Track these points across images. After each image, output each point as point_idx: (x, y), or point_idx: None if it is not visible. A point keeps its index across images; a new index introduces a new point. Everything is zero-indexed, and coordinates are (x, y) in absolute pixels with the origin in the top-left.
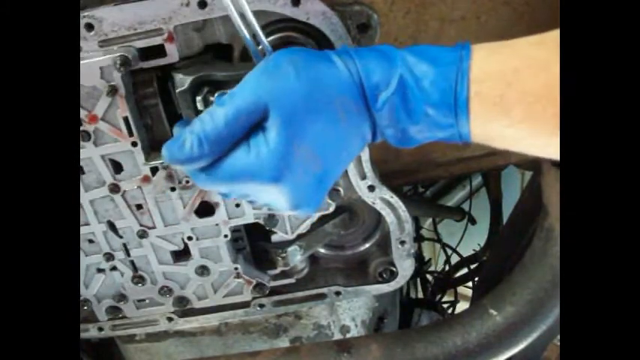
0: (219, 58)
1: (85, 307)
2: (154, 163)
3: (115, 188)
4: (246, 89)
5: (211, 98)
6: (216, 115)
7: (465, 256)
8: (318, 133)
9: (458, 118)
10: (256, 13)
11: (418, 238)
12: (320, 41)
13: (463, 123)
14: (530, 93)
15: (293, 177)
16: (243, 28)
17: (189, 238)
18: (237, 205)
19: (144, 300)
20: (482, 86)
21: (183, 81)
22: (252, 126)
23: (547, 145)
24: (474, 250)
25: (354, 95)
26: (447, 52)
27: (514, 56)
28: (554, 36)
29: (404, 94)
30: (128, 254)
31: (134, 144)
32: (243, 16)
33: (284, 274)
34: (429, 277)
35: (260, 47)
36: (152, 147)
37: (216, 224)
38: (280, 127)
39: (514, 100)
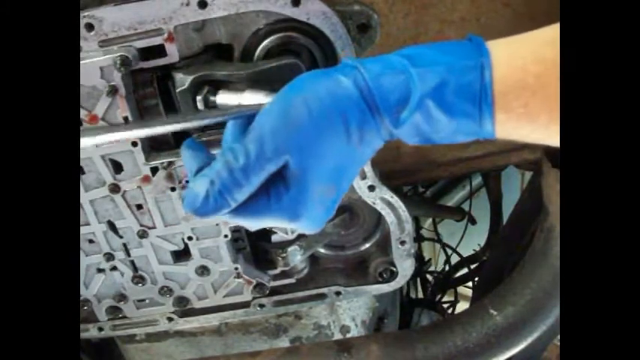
0: (219, 58)
1: (85, 307)
2: (154, 163)
3: (115, 188)
4: (265, 141)
5: (212, 98)
6: (236, 167)
7: (465, 256)
8: (335, 167)
9: (482, 127)
10: (256, 13)
11: (418, 238)
12: (320, 41)
13: (488, 130)
14: (553, 97)
15: (311, 212)
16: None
17: (190, 238)
18: None
19: (144, 300)
20: (506, 98)
21: (183, 80)
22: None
23: None
24: (474, 250)
25: (370, 123)
26: (463, 58)
27: (534, 60)
28: None
29: (425, 109)
30: (128, 254)
31: (134, 144)
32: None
33: (284, 274)
34: (429, 277)
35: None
36: (152, 147)
37: (217, 224)
38: (300, 177)
39: (538, 107)
